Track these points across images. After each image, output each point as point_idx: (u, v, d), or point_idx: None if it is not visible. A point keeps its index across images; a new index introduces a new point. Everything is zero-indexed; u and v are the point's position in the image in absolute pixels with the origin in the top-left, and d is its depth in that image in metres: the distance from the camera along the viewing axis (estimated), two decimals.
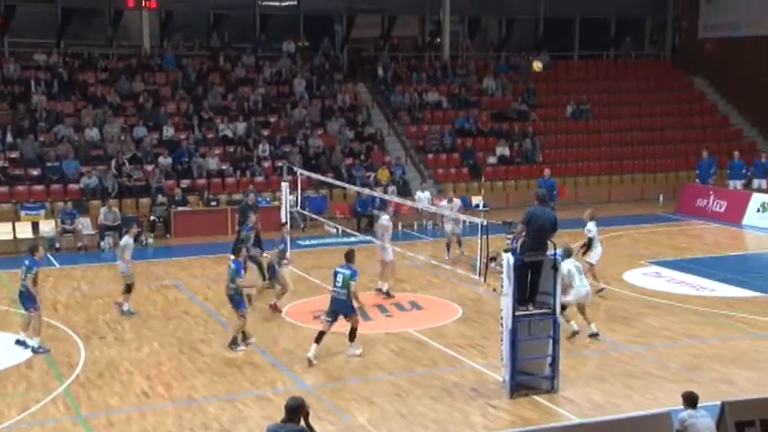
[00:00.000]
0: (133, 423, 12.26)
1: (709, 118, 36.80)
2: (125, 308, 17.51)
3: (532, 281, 13.17)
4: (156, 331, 16.50)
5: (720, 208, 28.52)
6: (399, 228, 26.08)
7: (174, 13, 34.25)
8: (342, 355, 14.94)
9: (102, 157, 27.61)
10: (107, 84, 30.61)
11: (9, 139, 27.50)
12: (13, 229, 24.01)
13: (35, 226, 24.29)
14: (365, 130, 31.51)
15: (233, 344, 15.32)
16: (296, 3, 35.88)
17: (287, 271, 17.87)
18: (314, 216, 24.94)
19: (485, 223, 14.13)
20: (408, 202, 22.38)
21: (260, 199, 26.28)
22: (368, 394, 13.19)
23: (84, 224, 24.47)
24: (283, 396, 10.63)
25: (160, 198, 25.77)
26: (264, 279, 18.66)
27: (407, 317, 17.51)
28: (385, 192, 27.10)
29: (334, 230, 25.05)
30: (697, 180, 29.98)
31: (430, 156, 31.50)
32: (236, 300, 15.35)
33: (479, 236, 16.10)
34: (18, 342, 15.32)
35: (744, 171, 29.37)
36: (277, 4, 36.34)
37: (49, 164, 26.75)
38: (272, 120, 31.04)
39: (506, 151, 31.88)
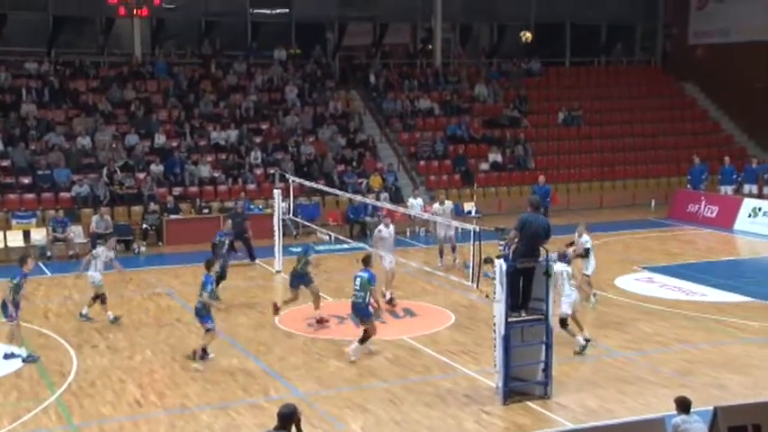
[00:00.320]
0: None
1: (700, 124, 36.94)
2: (109, 315, 17.40)
3: (525, 287, 13.18)
4: (149, 339, 16.46)
5: (712, 213, 28.61)
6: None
7: (165, 20, 34.23)
8: (335, 362, 14.92)
9: (94, 165, 27.55)
10: (98, 92, 30.57)
11: (0, 147, 27.43)
12: (4, 237, 23.96)
13: (26, 234, 24.23)
14: (357, 137, 31.53)
15: (193, 357, 14.91)
16: (287, 10, 35.89)
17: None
18: (306, 223, 24.91)
19: (477, 230, 14.15)
20: (401, 209, 22.39)
21: (252, 206, 26.32)
22: (361, 401, 13.17)
23: (76, 232, 24.40)
24: (276, 404, 10.61)
25: (152, 206, 25.73)
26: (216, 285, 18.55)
27: (401, 324, 17.51)
28: (377, 198, 27.12)
29: (327, 237, 25.05)
30: (689, 186, 30.06)
31: (422, 162, 31.53)
32: (202, 314, 14.88)
33: (472, 242, 16.14)
34: (6, 356, 15.14)
35: (735, 176, 29.47)
36: (268, 11, 36.34)
37: (40, 172, 26.69)
38: (264, 127, 31.04)
39: (498, 158, 31.93)
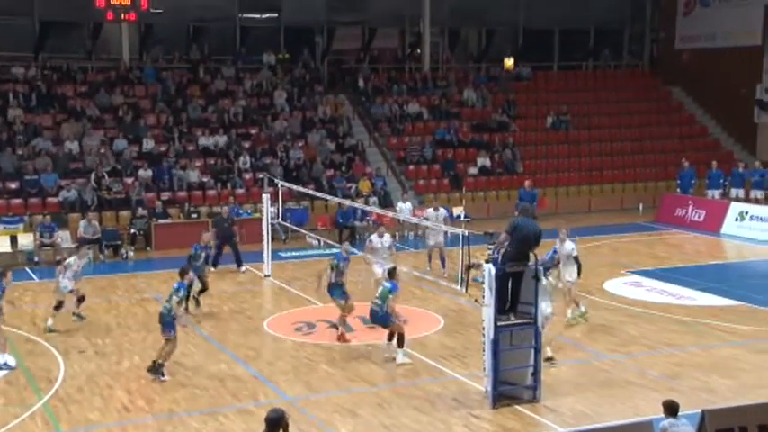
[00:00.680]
0: None
1: (687, 128, 37.09)
2: (48, 323, 17.22)
3: (514, 291, 13.20)
4: (137, 345, 16.40)
5: (699, 217, 28.73)
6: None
7: (153, 25, 34.16)
8: (324, 367, 14.91)
9: (82, 170, 27.47)
10: (86, 97, 30.48)
11: None
12: None
13: (13, 239, 24.13)
14: (346, 142, 31.53)
15: (156, 371, 14.24)
16: (276, 15, 35.89)
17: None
18: (295, 228, 24.93)
19: (466, 234, 14.16)
20: (390, 213, 22.38)
21: (241, 211, 26.29)
22: (351, 406, 13.16)
23: (64, 237, 24.31)
24: (265, 408, 10.57)
25: (140, 211, 25.65)
26: (198, 301, 18.34)
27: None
28: (366, 203, 27.15)
29: (316, 242, 25.04)
30: (678, 190, 30.16)
31: (411, 167, 31.55)
32: (166, 320, 14.28)
33: (461, 247, 16.15)
34: None
35: (722, 181, 29.59)
36: (257, 16, 36.32)
37: (27, 177, 26.59)
38: (253, 132, 31.01)
39: (487, 162, 31.99)
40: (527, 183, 27.44)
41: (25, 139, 28.07)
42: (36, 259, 23.76)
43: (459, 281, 17.93)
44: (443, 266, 21.04)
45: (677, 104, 38.27)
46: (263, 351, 16.09)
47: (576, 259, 17.20)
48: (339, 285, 16.28)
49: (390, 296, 14.84)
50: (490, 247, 13.65)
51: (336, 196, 25.95)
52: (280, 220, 23.66)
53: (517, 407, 12.98)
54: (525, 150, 33.37)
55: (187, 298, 17.10)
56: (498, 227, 19.80)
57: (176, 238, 25.05)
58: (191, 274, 15.67)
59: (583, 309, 17.45)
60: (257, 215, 24.43)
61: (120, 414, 13.02)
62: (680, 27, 38.53)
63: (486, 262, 13.24)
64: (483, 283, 13.22)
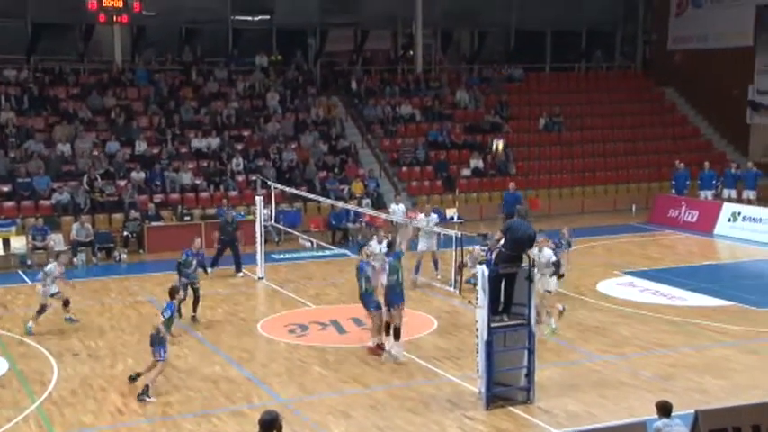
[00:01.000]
0: None
1: (680, 129, 37.19)
2: (29, 324, 17.17)
3: (507, 292, 13.21)
4: (130, 347, 16.37)
5: (692, 218, 28.80)
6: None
7: (145, 27, 34.10)
8: (317, 369, 14.91)
9: (74, 172, 27.40)
10: (78, 99, 30.42)
11: None
12: None
13: (6, 242, 24.07)
14: (339, 144, 31.53)
15: (142, 393, 13.51)
16: (269, 17, 35.87)
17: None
18: (288, 230, 24.90)
19: (459, 235, 14.19)
20: (382, 215, 22.37)
21: (233, 213, 26.24)
22: (344, 408, 13.15)
23: (56, 240, 24.24)
24: (259, 410, 10.56)
25: (133, 213, 25.60)
26: (194, 310, 18.16)
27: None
28: (359, 205, 27.14)
29: (309, 244, 25.01)
30: (673, 191, 30.22)
31: (404, 168, 31.57)
32: (155, 342, 13.69)
33: (454, 248, 16.15)
34: None
35: (714, 182, 29.66)
36: (249, 18, 36.30)
37: (19, 180, 26.52)
38: (246, 134, 30.98)
39: (480, 163, 32.01)
40: (511, 185, 27.48)
41: (17, 142, 28.01)
42: (29, 262, 23.68)
43: (453, 283, 17.98)
44: (436, 269, 20.92)
45: (670, 105, 38.36)
46: (256, 353, 16.07)
47: (557, 266, 16.73)
48: (370, 293, 15.46)
49: (400, 264, 14.86)
50: (484, 248, 13.67)
51: (329, 198, 25.94)
52: (273, 222, 23.65)
53: (511, 408, 12.98)
54: (518, 152, 33.41)
55: (194, 308, 17.09)
56: (491, 228, 19.89)
57: (169, 240, 25.00)
58: (181, 293, 15.26)
59: (554, 325, 16.59)
60: (250, 217, 24.41)
61: (114, 417, 12.99)
62: (672, 28, 38.66)
63: (480, 263, 13.24)
64: (476, 285, 13.23)
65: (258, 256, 21.80)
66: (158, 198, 27.19)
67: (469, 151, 32.51)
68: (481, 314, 12.97)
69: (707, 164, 30.45)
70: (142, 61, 33.45)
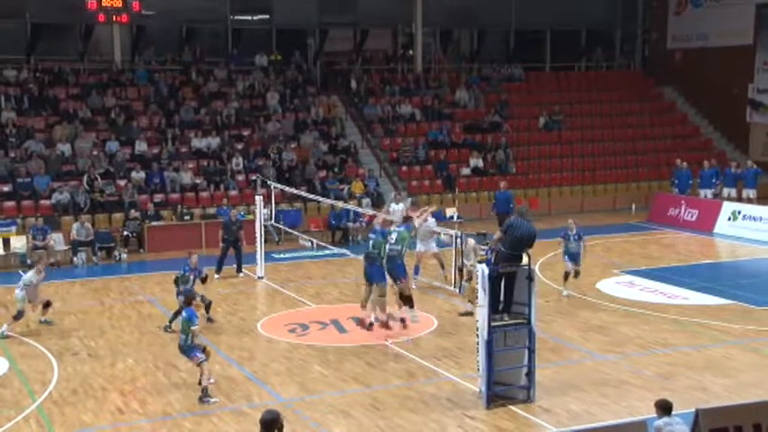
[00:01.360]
0: None
1: (680, 128, 37.18)
2: (2, 329, 17.05)
3: (507, 291, 13.20)
4: (131, 347, 16.37)
5: (692, 217, 28.79)
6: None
7: (145, 27, 34.08)
8: (317, 368, 14.91)
9: (74, 172, 27.41)
10: (78, 99, 30.42)
11: None
12: None
13: (6, 242, 24.08)
14: (339, 143, 31.53)
15: (204, 396, 13.46)
16: (268, 16, 35.87)
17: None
18: (288, 229, 24.90)
19: (459, 234, 14.18)
20: (382, 215, 22.32)
21: (237, 212, 26.22)
22: (345, 407, 13.15)
23: (57, 240, 24.27)
24: (259, 410, 10.57)
25: (133, 213, 25.60)
26: (207, 312, 17.86)
27: (383, 328, 17.46)
28: (359, 204, 27.15)
29: (309, 244, 24.98)
30: (675, 189, 30.20)
31: (404, 168, 31.56)
32: (186, 349, 13.71)
33: (454, 247, 16.16)
34: None
35: (714, 180, 29.65)
36: (249, 17, 36.29)
37: (19, 180, 26.51)
38: (246, 133, 30.98)
39: (480, 163, 32.01)
40: (502, 183, 27.48)
41: (17, 142, 28.01)
42: (29, 262, 23.59)
43: (453, 282, 17.99)
44: (443, 269, 20.82)
45: (669, 104, 38.36)
46: (256, 352, 16.07)
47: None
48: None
49: (408, 236, 14.99)
50: (483, 247, 13.66)
51: (329, 198, 25.93)
52: (273, 221, 23.64)
53: (511, 407, 12.98)
54: (518, 151, 33.41)
55: (174, 318, 17.02)
56: (491, 228, 19.89)
57: (169, 240, 25.08)
58: (198, 298, 14.95)
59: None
60: (250, 217, 24.40)
61: (114, 416, 12.99)
62: (672, 27, 38.65)
63: (480, 262, 13.24)
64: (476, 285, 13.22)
65: (258, 256, 21.79)
66: (158, 198, 27.19)
67: (469, 150, 32.50)
68: (482, 313, 12.96)
69: (706, 162, 30.42)
70: (142, 61, 33.45)
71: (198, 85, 32.48)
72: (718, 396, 13.28)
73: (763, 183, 29.96)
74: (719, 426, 10.18)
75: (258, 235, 21.74)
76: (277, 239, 26.07)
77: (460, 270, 16.80)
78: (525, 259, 13.21)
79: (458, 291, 17.22)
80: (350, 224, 27.05)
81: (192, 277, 17.55)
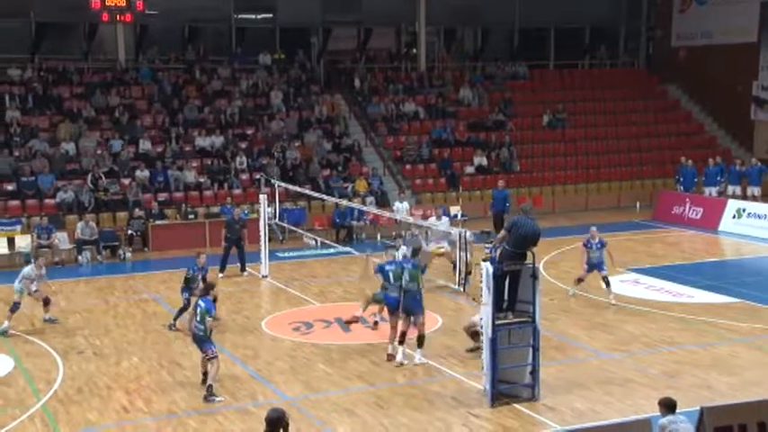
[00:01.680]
0: None
1: (684, 125, 37.09)
2: (3, 325, 17.09)
3: (512, 289, 13.19)
4: (136, 345, 16.39)
5: (697, 215, 28.73)
6: (378, 238, 26.16)
7: (149, 26, 34.10)
8: (322, 366, 14.90)
9: (78, 171, 27.45)
10: (82, 98, 30.44)
11: None
12: None
13: (11, 241, 24.10)
14: (342, 142, 31.52)
15: (210, 395, 13.42)
16: (272, 15, 35.86)
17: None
18: (292, 228, 24.89)
19: (463, 233, 14.16)
20: (386, 213, 22.35)
21: (240, 211, 26.23)
22: (349, 405, 13.15)
23: (61, 239, 24.29)
24: (264, 408, 10.58)
25: (137, 212, 25.61)
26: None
27: (388, 327, 17.42)
28: (363, 203, 27.15)
29: (313, 242, 25.00)
30: (681, 187, 30.12)
31: (407, 166, 31.54)
32: (204, 340, 13.62)
33: (458, 246, 16.13)
34: None
35: (719, 178, 29.59)
36: (253, 16, 36.29)
37: (24, 179, 26.55)
38: (250, 132, 30.99)
39: (484, 161, 31.97)
40: (500, 182, 27.45)
41: (22, 141, 28.04)
42: (32, 260, 23.68)
43: (458, 281, 17.94)
44: (454, 268, 20.71)
45: (674, 102, 38.29)
46: (261, 351, 16.07)
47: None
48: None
49: (421, 274, 14.90)
50: (487, 246, 13.64)
51: (333, 196, 25.92)
52: (277, 220, 23.64)
53: (516, 405, 12.97)
54: (522, 149, 33.36)
55: (178, 316, 17.00)
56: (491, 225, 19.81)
57: (173, 238, 25.10)
58: (215, 290, 14.79)
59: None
60: (254, 215, 24.39)
61: (120, 415, 13.00)
62: (676, 25, 38.56)
63: (484, 261, 13.23)
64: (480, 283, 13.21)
65: (262, 255, 21.78)
66: (162, 196, 27.20)
67: (473, 149, 32.47)
68: (486, 311, 12.95)
69: (711, 160, 30.33)
70: (146, 60, 33.45)
71: (201, 84, 32.49)
72: (723, 394, 13.26)
73: None
74: (724, 424, 10.16)
75: (262, 234, 21.73)
76: (281, 238, 26.06)
77: (463, 265, 16.76)
78: (530, 257, 13.21)
79: (462, 289, 17.21)
80: (354, 222, 27.05)
81: (199, 277, 17.64)
